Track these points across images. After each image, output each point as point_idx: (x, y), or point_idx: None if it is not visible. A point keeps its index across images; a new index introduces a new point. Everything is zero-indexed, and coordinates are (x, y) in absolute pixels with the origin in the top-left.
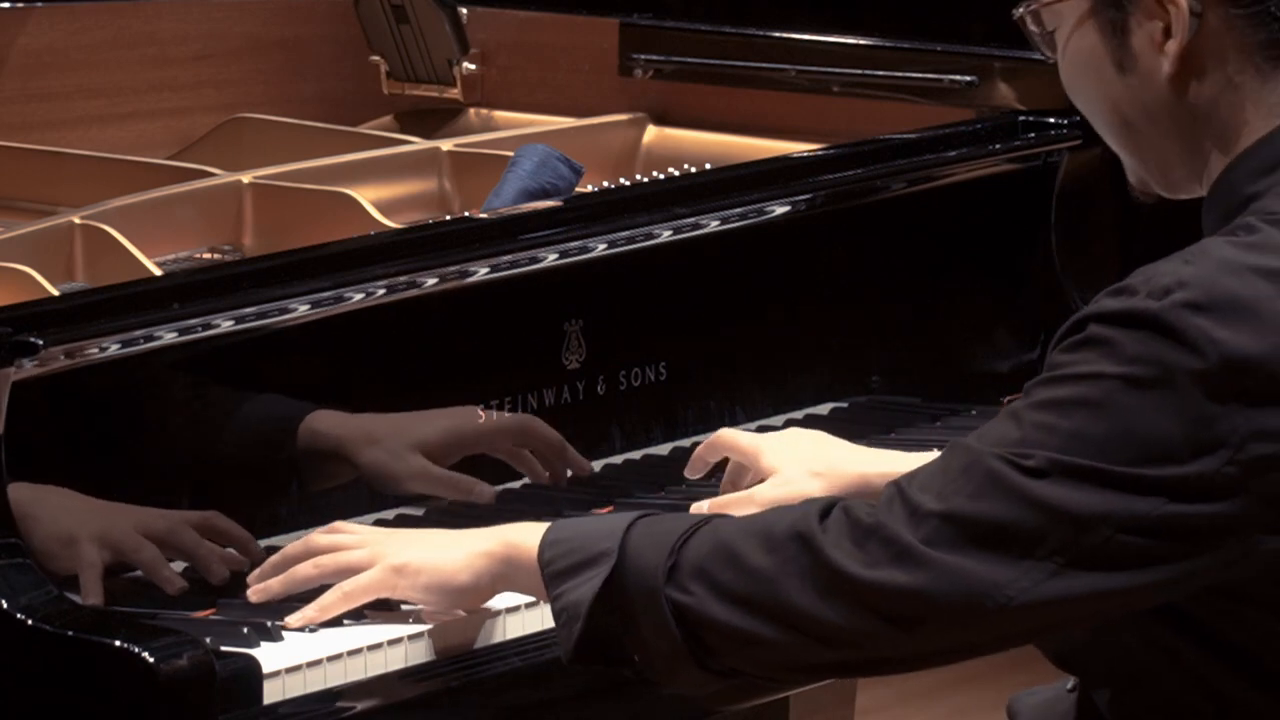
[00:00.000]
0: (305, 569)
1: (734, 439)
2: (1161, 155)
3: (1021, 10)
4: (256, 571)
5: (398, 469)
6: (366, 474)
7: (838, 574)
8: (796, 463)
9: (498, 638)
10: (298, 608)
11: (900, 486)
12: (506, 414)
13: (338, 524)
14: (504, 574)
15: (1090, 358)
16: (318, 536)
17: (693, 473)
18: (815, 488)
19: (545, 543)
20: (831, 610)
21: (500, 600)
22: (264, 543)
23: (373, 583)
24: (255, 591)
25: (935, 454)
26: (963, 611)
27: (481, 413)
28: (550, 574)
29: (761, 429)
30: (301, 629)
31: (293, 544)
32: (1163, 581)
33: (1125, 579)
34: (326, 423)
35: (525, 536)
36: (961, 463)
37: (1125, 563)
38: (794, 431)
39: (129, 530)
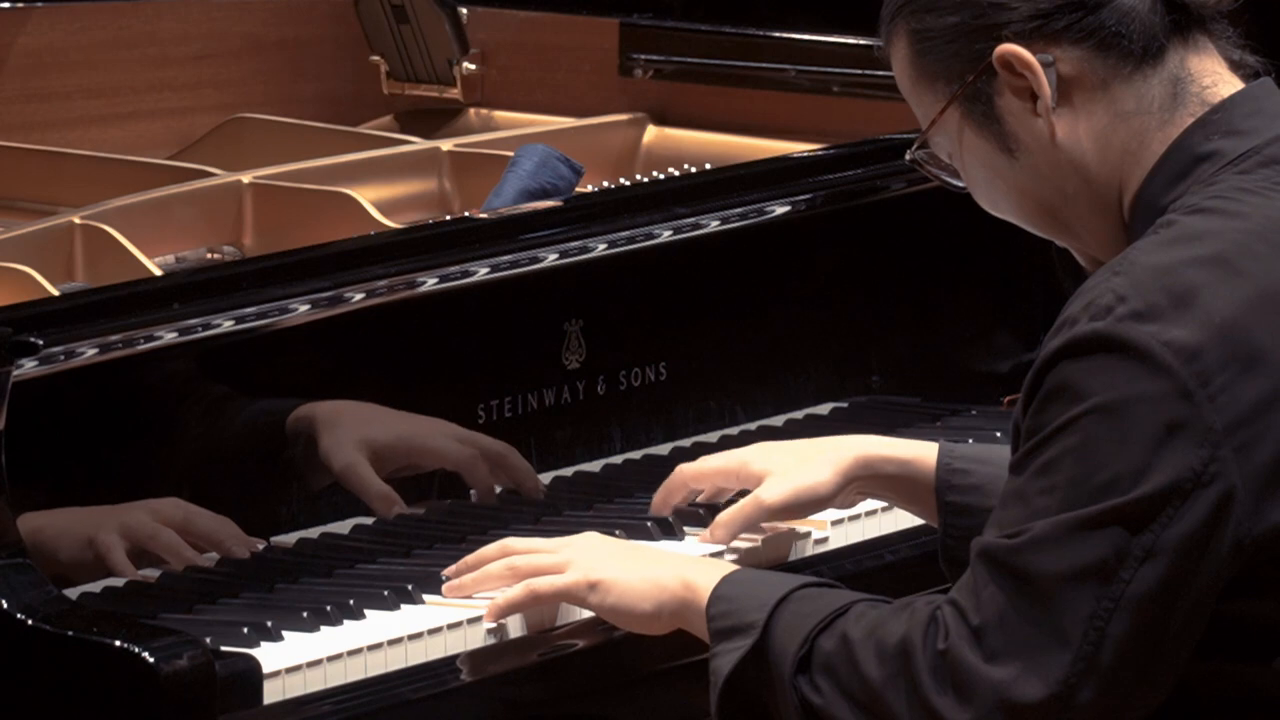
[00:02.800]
0: (498, 569)
1: (703, 468)
2: (1091, 227)
3: (911, 155)
4: (453, 568)
5: (334, 460)
6: (322, 457)
7: (927, 703)
8: (793, 456)
9: (496, 638)
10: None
11: (954, 600)
12: (465, 446)
13: (534, 541)
14: (680, 613)
15: (1057, 409)
16: (514, 540)
17: (658, 512)
18: (826, 474)
19: (712, 596)
20: None
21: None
22: (263, 543)
23: (564, 588)
24: (449, 588)
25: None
26: (1055, 714)
27: (445, 432)
28: (711, 630)
29: (761, 429)
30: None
31: (489, 545)
32: (1205, 590)
33: (1171, 601)
34: (310, 410)
35: (702, 579)
36: (984, 562)
37: (1165, 591)
38: (767, 444)
39: (144, 519)
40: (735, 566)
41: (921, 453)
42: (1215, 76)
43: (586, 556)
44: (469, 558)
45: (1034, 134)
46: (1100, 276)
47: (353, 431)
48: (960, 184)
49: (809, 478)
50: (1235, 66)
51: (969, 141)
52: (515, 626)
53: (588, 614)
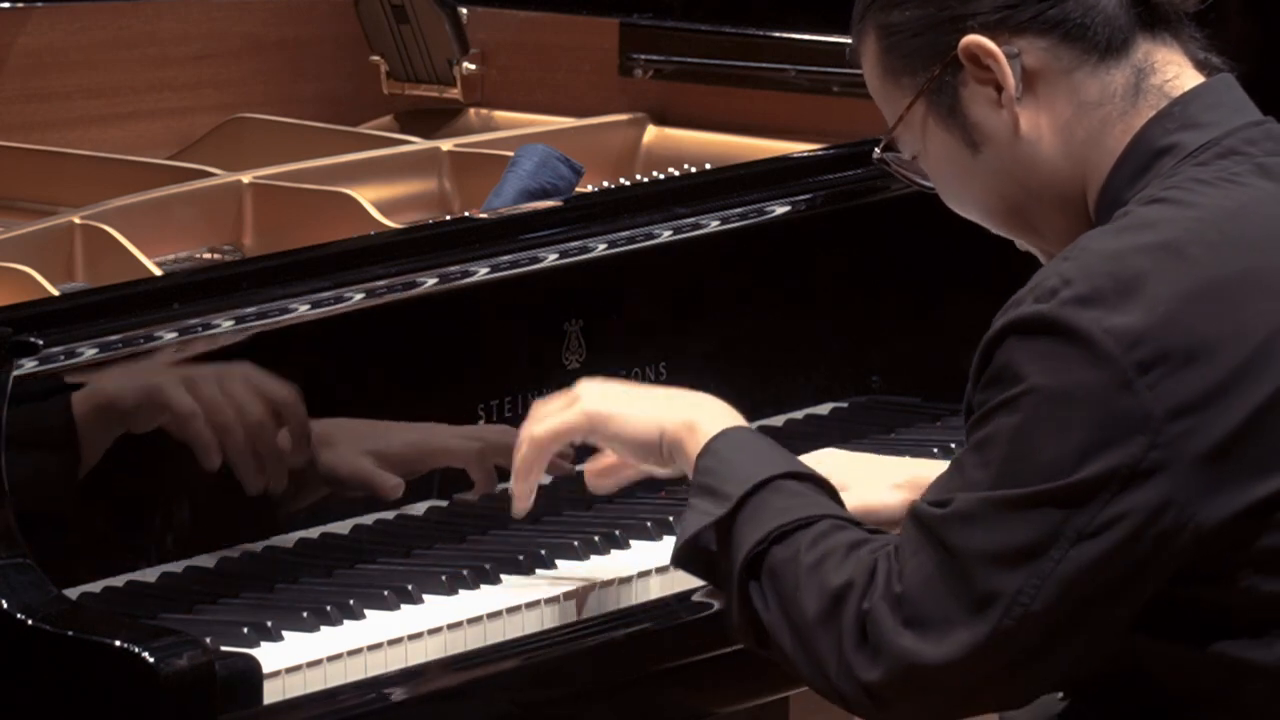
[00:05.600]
0: (522, 450)
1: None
2: (1054, 224)
3: (877, 156)
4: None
5: (341, 471)
6: (324, 476)
7: (844, 656)
8: (862, 471)
9: (497, 637)
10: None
11: (889, 556)
12: (475, 433)
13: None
14: (675, 449)
15: (998, 388)
16: (526, 424)
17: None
18: (892, 496)
19: (705, 447)
20: (845, 684)
21: (503, 600)
22: (263, 543)
23: (565, 426)
24: (516, 506)
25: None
26: (978, 683)
27: (445, 429)
28: (694, 481)
29: (762, 429)
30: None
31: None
32: (1135, 577)
33: (1100, 589)
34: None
35: (705, 424)
36: (914, 525)
37: (1095, 574)
38: (836, 453)
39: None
40: (743, 422)
41: None
42: (1179, 70)
43: (594, 395)
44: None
45: (998, 127)
46: (1052, 261)
47: (355, 444)
48: (928, 183)
49: (879, 497)
50: (1200, 66)
51: (933, 137)
52: (518, 624)
53: (591, 614)
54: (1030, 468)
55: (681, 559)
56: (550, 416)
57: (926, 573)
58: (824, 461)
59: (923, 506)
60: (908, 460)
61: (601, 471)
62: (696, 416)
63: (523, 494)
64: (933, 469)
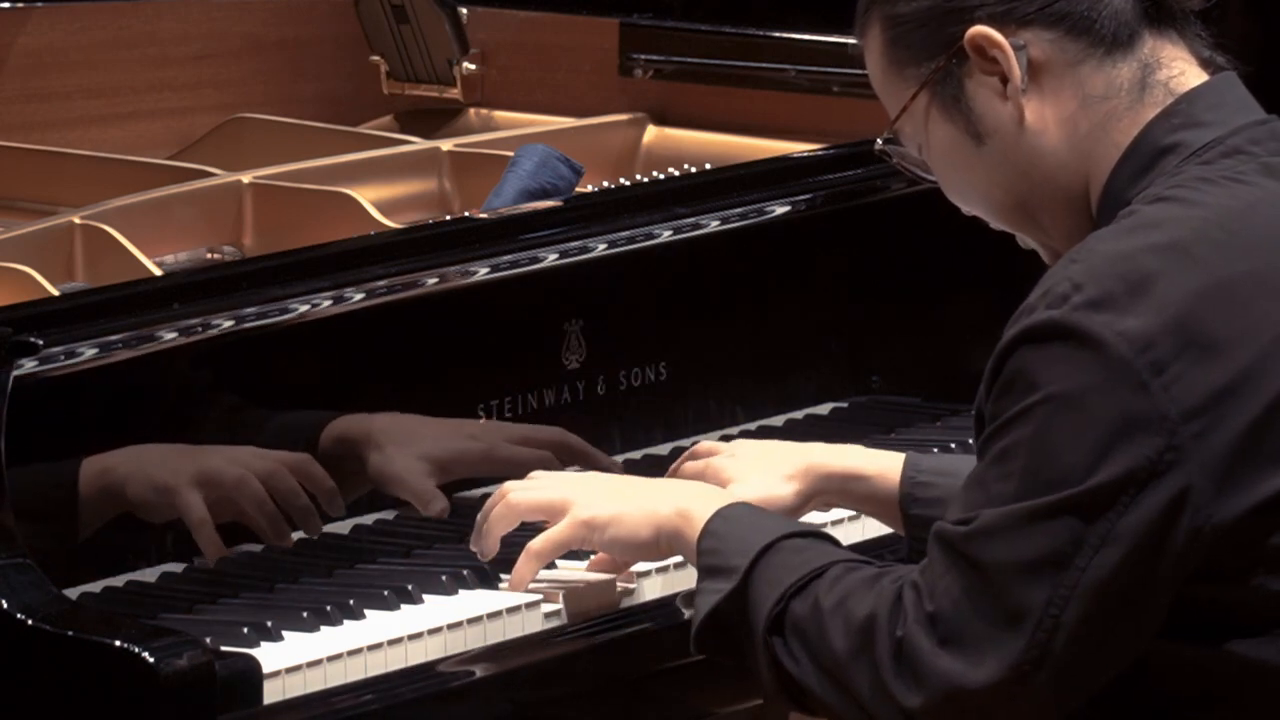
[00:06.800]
0: (501, 513)
1: (677, 469)
2: (1057, 218)
3: (880, 147)
4: (473, 536)
5: (387, 472)
6: (371, 475)
7: (884, 686)
8: (759, 468)
9: (497, 637)
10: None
11: (916, 583)
12: (529, 449)
13: (535, 474)
14: (675, 541)
15: (1013, 397)
16: (511, 484)
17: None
18: (786, 489)
19: (704, 530)
20: (885, 714)
21: (503, 600)
22: (263, 544)
23: (563, 537)
24: (474, 548)
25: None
26: (1003, 699)
27: (497, 431)
28: (699, 565)
29: (761, 429)
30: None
31: (490, 500)
32: (1160, 578)
33: (1127, 594)
34: (345, 427)
35: (698, 509)
36: (940, 547)
37: (1120, 579)
38: (744, 444)
39: (225, 468)
40: (733, 499)
41: (887, 467)
42: (1184, 67)
43: (583, 495)
44: (479, 518)
45: (1002, 118)
46: (1060, 264)
47: (414, 447)
48: (930, 176)
49: (770, 490)
50: (1205, 64)
51: (937, 129)
52: (518, 624)
53: (596, 614)
54: (1050, 475)
55: (701, 640)
56: (542, 504)
57: (956, 592)
58: (729, 464)
59: (946, 526)
60: (806, 447)
61: (600, 565)
62: (688, 504)
63: (523, 583)
64: (830, 454)
